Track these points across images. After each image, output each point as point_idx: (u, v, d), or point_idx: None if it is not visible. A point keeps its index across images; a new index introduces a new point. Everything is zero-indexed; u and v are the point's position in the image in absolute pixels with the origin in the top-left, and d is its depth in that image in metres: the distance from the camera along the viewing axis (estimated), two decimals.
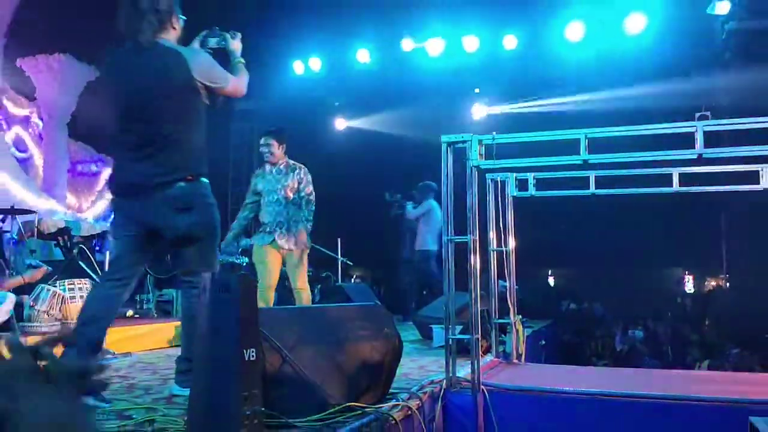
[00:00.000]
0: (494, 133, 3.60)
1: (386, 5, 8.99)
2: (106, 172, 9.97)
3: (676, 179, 4.30)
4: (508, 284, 4.91)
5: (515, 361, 4.54)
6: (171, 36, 3.01)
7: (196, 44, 3.19)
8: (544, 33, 9.27)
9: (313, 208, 5.15)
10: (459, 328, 4.19)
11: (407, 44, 9.97)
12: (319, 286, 7.99)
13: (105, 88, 3.09)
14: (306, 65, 10.64)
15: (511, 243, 4.73)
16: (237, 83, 3.10)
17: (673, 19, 8.45)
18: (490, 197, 4.62)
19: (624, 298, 12.22)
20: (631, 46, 8.72)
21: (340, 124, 11.01)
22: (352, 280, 11.52)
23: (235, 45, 3.26)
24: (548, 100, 9.44)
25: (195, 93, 2.95)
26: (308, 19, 9.43)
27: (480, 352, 3.67)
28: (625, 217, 10.34)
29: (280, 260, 5.13)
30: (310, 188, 5.16)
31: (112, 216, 3.24)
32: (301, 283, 5.12)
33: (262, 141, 5.22)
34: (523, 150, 3.68)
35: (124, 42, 2.96)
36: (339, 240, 8.04)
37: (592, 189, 4.50)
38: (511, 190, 4.73)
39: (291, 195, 5.11)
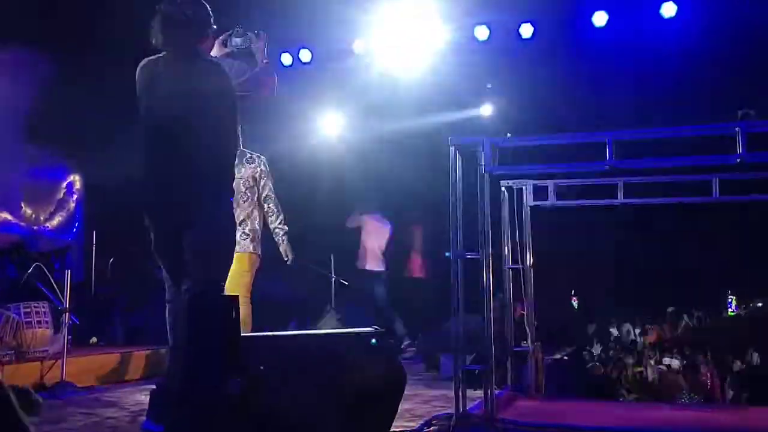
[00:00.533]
0: (509, 134, 3.64)
1: None
2: (71, 179, 10.00)
3: (716, 187, 4.33)
4: (525, 306, 4.94)
5: (534, 393, 4.56)
6: (207, 46, 3.35)
7: (218, 45, 3.50)
8: (567, 20, 9.33)
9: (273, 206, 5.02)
10: (470, 357, 4.21)
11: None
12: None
13: (143, 100, 3.34)
14: (295, 57, 10.69)
15: (529, 259, 4.77)
16: (261, 77, 3.41)
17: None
18: (505, 207, 4.66)
19: (658, 322, 12.22)
20: (663, 35, 8.77)
21: (332, 121, 11.05)
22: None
23: (260, 45, 3.52)
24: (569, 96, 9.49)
25: (233, 105, 3.28)
26: (297, 7, 9.48)
27: (494, 384, 3.69)
28: (658, 231, 10.36)
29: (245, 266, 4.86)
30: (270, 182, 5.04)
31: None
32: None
33: None
34: (542, 154, 3.73)
35: (158, 53, 3.28)
36: (332, 257, 8.05)
37: (620, 198, 4.53)
38: (529, 200, 4.77)
39: (243, 189, 4.92)
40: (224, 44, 3.53)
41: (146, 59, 3.33)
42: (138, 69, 3.36)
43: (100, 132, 8.01)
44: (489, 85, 10.62)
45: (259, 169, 5.04)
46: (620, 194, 4.57)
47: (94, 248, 7.40)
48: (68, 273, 5.18)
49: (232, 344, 2.25)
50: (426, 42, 9.78)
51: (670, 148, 3.50)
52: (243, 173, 4.92)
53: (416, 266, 9.13)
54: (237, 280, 4.54)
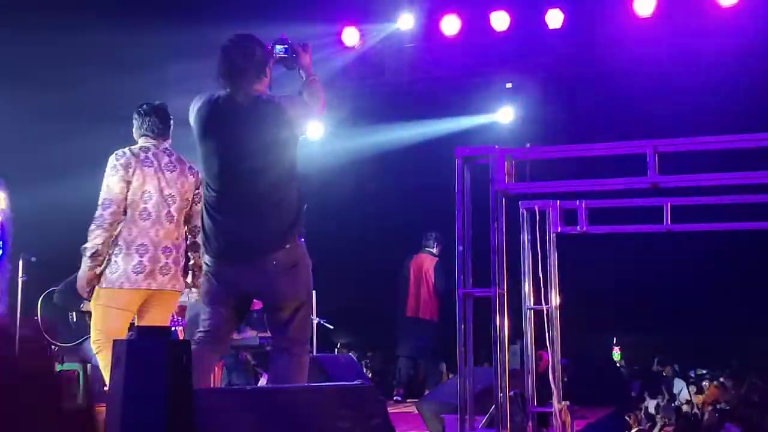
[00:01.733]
0: (528, 144, 3.66)
1: None
2: None
3: None
4: (550, 356, 4.92)
5: None
6: (264, 84, 3.84)
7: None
8: (602, 6, 9.40)
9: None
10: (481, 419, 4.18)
11: (406, 21, 10.07)
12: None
13: (204, 141, 3.83)
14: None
15: (555, 298, 4.75)
16: (317, 104, 3.91)
17: None
18: (525, 233, 4.65)
19: (716, 377, 12.17)
20: (721, 25, 8.82)
21: (317, 132, 11.09)
22: (335, 350, 11.46)
23: (306, 58, 3.99)
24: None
25: (294, 143, 3.80)
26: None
27: None
28: (716, 261, 10.34)
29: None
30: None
31: (206, 282, 3.92)
32: None
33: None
34: (570, 167, 3.74)
35: (217, 92, 3.79)
36: (314, 295, 8.03)
37: (667, 223, 4.52)
38: (554, 225, 4.75)
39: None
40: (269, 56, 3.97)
41: (204, 96, 3.84)
42: (196, 105, 3.85)
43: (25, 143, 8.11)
44: (508, 85, 10.70)
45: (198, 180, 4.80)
46: (667, 217, 4.55)
47: (20, 280, 7.40)
48: None
49: (180, 398, 2.23)
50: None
51: (728, 161, 3.50)
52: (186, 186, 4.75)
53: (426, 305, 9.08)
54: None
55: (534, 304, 4.61)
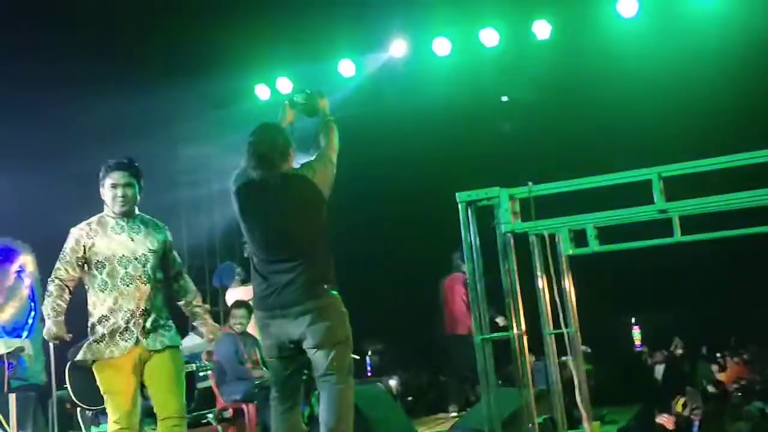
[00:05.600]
0: (530, 183, 3.47)
1: (367, 1, 9.00)
2: (22, 260, 9.89)
3: None
4: (575, 377, 4.72)
5: None
6: (290, 162, 4.18)
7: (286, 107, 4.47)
8: (588, 13, 9.22)
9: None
10: None
11: (399, 47, 9.99)
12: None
13: (243, 218, 4.20)
14: (272, 88, 10.66)
15: (574, 322, 4.56)
16: (332, 147, 4.29)
17: None
18: (537, 258, 4.46)
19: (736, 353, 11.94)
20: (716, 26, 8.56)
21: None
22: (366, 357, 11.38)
23: (323, 103, 4.45)
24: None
25: (321, 204, 4.13)
26: (268, 32, 9.47)
27: None
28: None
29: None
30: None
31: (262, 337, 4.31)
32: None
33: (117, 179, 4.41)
34: (574, 199, 3.55)
35: (248, 172, 4.13)
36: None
37: (677, 236, 4.33)
38: (565, 248, 4.56)
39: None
40: (290, 103, 4.46)
41: (241, 178, 4.19)
42: (234, 187, 4.21)
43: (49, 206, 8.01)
44: (504, 98, 10.54)
45: (169, 239, 4.60)
46: (677, 230, 4.35)
47: (52, 345, 7.25)
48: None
49: None
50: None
51: (736, 180, 3.29)
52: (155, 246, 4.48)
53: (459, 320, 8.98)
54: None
55: (553, 329, 4.45)
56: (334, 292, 4.13)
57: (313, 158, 4.29)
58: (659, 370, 12.61)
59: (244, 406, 6.86)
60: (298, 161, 4.29)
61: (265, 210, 4.15)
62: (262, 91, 10.73)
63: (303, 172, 4.17)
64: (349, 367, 4.13)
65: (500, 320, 7.19)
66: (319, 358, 4.04)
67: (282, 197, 4.11)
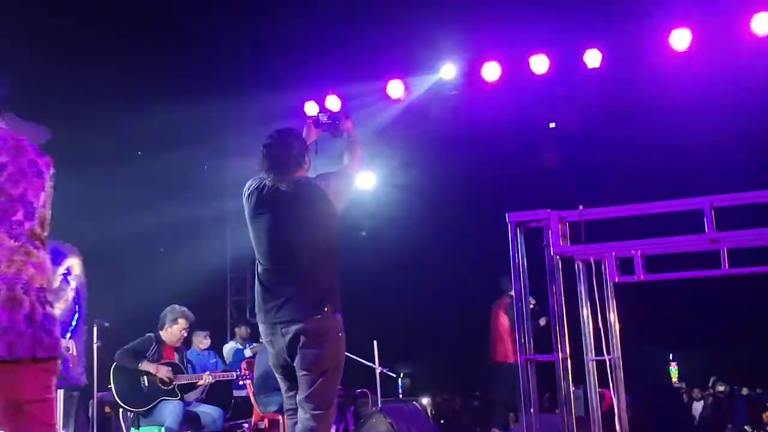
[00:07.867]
0: (581, 207, 3.47)
1: (418, 23, 9.05)
2: (69, 263, 10.06)
3: None
4: (616, 405, 4.67)
5: None
6: (304, 170, 4.15)
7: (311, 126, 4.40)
8: (639, 43, 9.16)
9: None
10: None
11: (448, 70, 9.98)
12: (352, 408, 7.81)
13: (252, 223, 4.14)
14: (321, 105, 10.75)
15: (616, 350, 4.51)
16: (354, 166, 4.30)
17: None
18: (582, 285, 4.43)
19: None
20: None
21: (369, 182, 11.01)
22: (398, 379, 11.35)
23: (348, 124, 4.38)
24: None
25: (331, 218, 4.05)
26: (319, 49, 9.57)
27: None
28: None
29: None
30: None
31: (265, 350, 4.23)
32: None
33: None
34: (624, 224, 3.53)
35: (264, 178, 4.09)
36: (375, 343, 7.88)
37: (725, 267, 4.27)
38: (611, 275, 4.53)
39: None
40: (315, 123, 4.40)
41: (254, 183, 4.17)
42: (247, 192, 4.18)
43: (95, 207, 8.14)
44: (552, 124, 10.50)
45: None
46: (724, 262, 4.30)
47: (95, 346, 7.37)
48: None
49: None
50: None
51: None
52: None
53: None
54: None
55: (596, 356, 4.40)
56: (337, 314, 4.01)
57: (331, 170, 4.25)
58: (697, 407, 12.40)
59: (279, 418, 6.88)
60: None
61: (272, 216, 4.08)
62: (310, 108, 10.87)
63: (316, 182, 4.12)
64: (331, 397, 4.00)
65: (542, 320, 7.15)
66: (304, 382, 3.96)
67: (291, 205, 4.03)
